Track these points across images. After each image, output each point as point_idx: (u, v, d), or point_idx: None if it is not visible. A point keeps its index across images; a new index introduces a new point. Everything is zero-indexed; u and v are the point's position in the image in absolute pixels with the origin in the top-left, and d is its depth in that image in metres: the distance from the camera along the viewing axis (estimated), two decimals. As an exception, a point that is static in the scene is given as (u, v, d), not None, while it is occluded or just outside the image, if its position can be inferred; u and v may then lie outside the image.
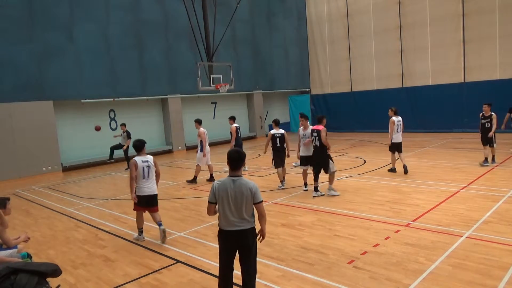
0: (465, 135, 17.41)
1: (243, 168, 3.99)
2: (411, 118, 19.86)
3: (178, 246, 6.20)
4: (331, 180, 8.61)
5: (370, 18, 21.19)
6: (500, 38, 16.92)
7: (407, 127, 19.55)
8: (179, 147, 19.81)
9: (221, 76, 17.13)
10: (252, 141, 22.14)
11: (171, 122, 19.42)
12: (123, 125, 15.21)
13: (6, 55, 14.26)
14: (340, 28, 22.67)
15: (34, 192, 11.93)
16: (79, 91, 16.19)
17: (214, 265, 5.14)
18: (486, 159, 10.45)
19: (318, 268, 4.95)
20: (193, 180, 11.24)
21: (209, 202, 3.91)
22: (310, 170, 9.16)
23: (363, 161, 12.51)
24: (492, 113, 10.45)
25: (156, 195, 6.58)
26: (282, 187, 9.73)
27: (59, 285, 4.75)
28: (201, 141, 11.00)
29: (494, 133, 10.43)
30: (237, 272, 4.03)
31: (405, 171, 10.01)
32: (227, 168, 4.03)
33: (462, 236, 5.61)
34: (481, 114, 10.78)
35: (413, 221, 6.46)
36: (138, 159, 6.40)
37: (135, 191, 6.37)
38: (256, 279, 4.74)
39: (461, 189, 8.28)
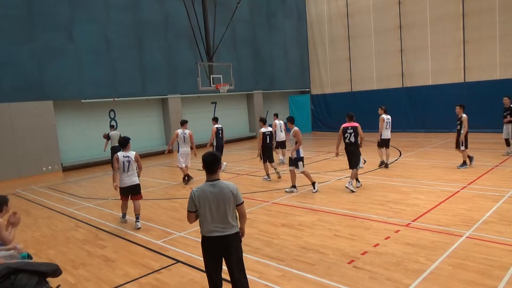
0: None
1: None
2: (411, 118, 19.90)
3: (178, 246, 6.20)
4: (354, 175, 8.95)
5: (370, 18, 21.20)
6: (500, 38, 16.93)
7: (407, 127, 19.74)
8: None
9: (221, 76, 17.14)
10: (252, 141, 22.13)
11: (171, 122, 19.40)
12: (113, 126, 15.03)
13: (6, 55, 14.25)
14: (340, 28, 22.68)
15: (34, 192, 11.93)
16: (79, 91, 16.19)
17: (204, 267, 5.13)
18: (464, 162, 10.36)
19: (318, 268, 4.95)
20: (184, 180, 11.36)
21: (188, 211, 3.72)
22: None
23: (363, 161, 12.49)
24: (464, 115, 10.27)
25: (138, 184, 7.50)
26: (268, 179, 10.72)
27: (59, 285, 4.75)
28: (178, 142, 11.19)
29: (466, 136, 10.22)
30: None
31: (386, 166, 11.11)
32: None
33: (462, 236, 5.61)
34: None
35: (413, 221, 6.46)
36: (120, 154, 7.34)
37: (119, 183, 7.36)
38: (256, 279, 4.75)
39: (461, 189, 8.28)
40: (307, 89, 25.59)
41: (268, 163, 10.77)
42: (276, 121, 13.19)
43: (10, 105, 14.34)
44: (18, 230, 7.47)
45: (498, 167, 10.19)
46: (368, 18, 21.27)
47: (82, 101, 16.39)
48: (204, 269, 3.90)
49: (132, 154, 7.44)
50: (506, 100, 11.63)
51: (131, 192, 7.42)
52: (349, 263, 5.03)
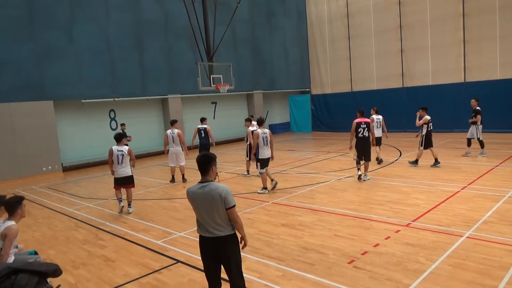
0: (465, 135, 17.32)
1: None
2: (411, 118, 19.81)
3: (178, 246, 6.20)
4: (367, 168, 9.83)
5: (370, 18, 21.20)
6: (500, 38, 16.93)
7: (407, 127, 19.69)
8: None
9: (221, 76, 17.13)
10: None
11: (171, 122, 19.41)
12: (123, 124, 15.22)
13: (6, 55, 14.25)
14: (340, 28, 22.68)
15: (34, 192, 11.93)
16: (79, 91, 16.19)
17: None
18: (436, 159, 10.91)
19: (318, 268, 4.95)
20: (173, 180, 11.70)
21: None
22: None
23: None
24: (427, 116, 10.99)
25: (130, 176, 8.37)
26: (248, 175, 11.53)
27: (59, 285, 4.75)
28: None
29: (428, 135, 10.92)
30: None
31: (380, 162, 11.85)
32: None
33: (462, 236, 5.61)
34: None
35: (413, 221, 6.46)
36: (114, 148, 8.21)
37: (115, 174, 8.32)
38: (256, 279, 4.75)
39: (461, 189, 8.28)
40: (307, 89, 25.59)
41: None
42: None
43: (10, 105, 14.34)
44: (19, 230, 7.48)
45: (498, 167, 10.19)
46: (368, 18, 21.27)
47: (82, 101, 16.38)
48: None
49: (125, 148, 8.25)
50: (473, 102, 12.01)
51: (124, 182, 8.33)
52: (349, 263, 5.03)
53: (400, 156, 13.15)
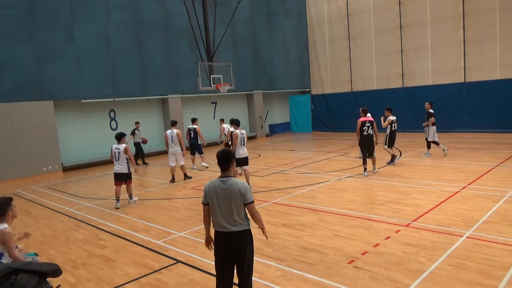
0: (465, 135, 17.43)
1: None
2: (411, 118, 19.87)
3: (178, 246, 6.20)
4: (375, 162, 10.57)
5: (370, 18, 21.20)
6: (500, 38, 16.94)
7: (407, 127, 19.70)
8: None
9: (221, 76, 17.12)
10: (252, 141, 22.13)
11: (171, 122, 19.41)
12: (138, 123, 16.17)
13: (6, 55, 14.25)
14: (340, 28, 22.68)
15: (34, 192, 11.93)
16: (79, 91, 16.19)
17: (214, 265, 5.14)
18: (392, 158, 11.55)
19: (318, 268, 4.95)
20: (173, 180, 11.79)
21: (202, 203, 3.87)
22: (240, 171, 10.07)
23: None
24: (391, 117, 11.72)
25: (126, 173, 8.88)
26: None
27: (59, 285, 4.75)
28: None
29: (392, 135, 11.78)
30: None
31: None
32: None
33: (462, 236, 5.61)
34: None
35: (413, 221, 6.46)
36: (113, 146, 8.82)
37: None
38: (256, 279, 4.75)
39: (461, 189, 8.28)
40: (307, 89, 25.59)
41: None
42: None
43: (10, 105, 14.34)
44: (19, 231, 7.48)
45: (498, 167, 10.19)
46: (368, 18, 21.27)
47: (82, 101, 16.39)
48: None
49: (122, 146, 8.74)
50: (426, 105, 12.60)
51: (122, 178, 8.90)
52: (349, 263, 5.04)
53: (400, 156, 13.15)
